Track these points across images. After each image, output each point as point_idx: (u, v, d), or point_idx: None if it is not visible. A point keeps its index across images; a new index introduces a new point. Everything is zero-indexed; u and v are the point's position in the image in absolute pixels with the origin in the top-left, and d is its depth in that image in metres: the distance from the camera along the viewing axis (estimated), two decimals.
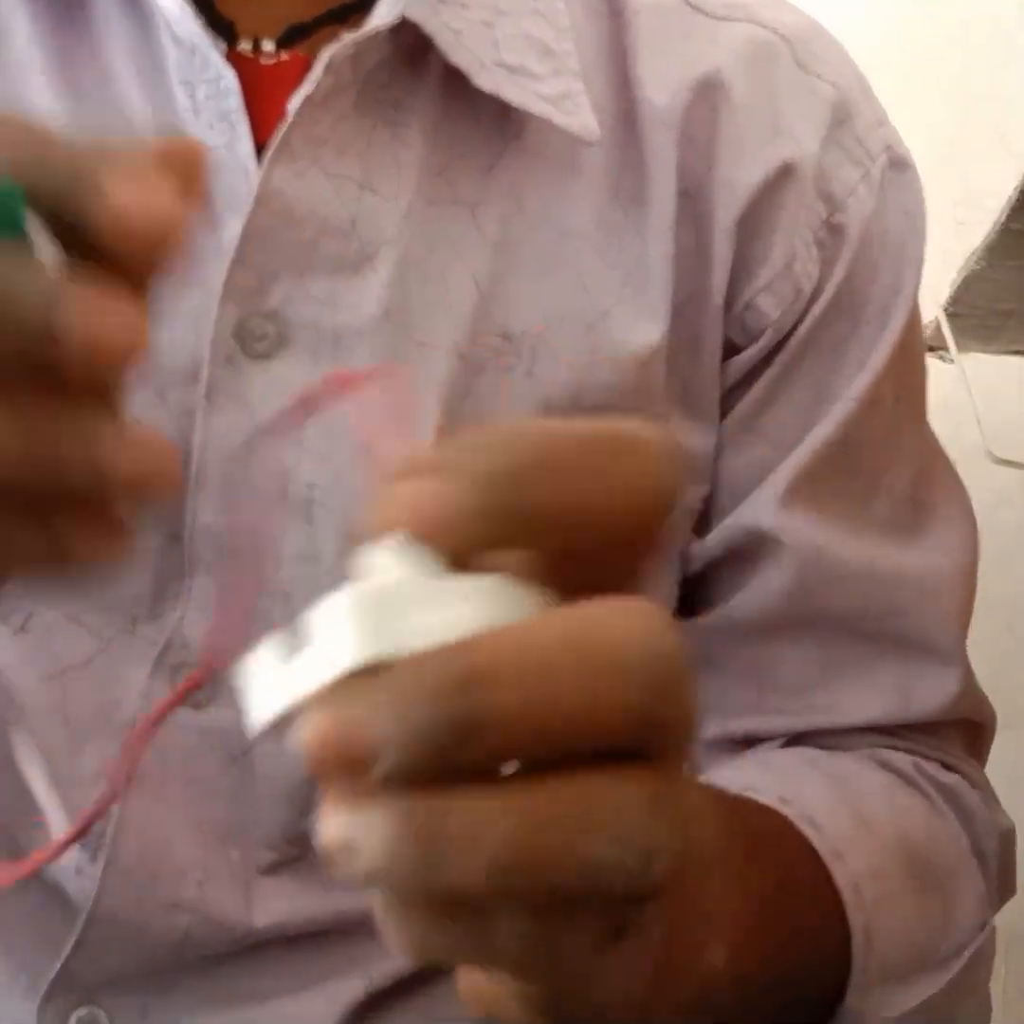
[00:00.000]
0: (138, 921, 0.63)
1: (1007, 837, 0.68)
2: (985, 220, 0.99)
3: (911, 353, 0.69)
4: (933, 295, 1.01)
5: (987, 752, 0.72)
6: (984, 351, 1.23)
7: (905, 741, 0.68)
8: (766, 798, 0.57)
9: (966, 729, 0.70)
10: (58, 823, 0.64)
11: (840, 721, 0.67)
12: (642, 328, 0.64)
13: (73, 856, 0.63)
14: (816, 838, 0.56)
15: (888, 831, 0.60)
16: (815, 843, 0.56)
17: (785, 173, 0.64)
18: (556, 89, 0.62)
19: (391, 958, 0.67)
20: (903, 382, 0.68)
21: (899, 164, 0.67)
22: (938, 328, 1.17)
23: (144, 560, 0.62)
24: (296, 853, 0.64)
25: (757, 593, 0.67)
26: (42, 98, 0.61)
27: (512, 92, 0.61)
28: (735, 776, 0.62)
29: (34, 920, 0.65)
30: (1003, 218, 0.96)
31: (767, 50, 0.66)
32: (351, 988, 0.66)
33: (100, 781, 0.63)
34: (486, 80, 0.61)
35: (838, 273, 0.65)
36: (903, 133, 0.69)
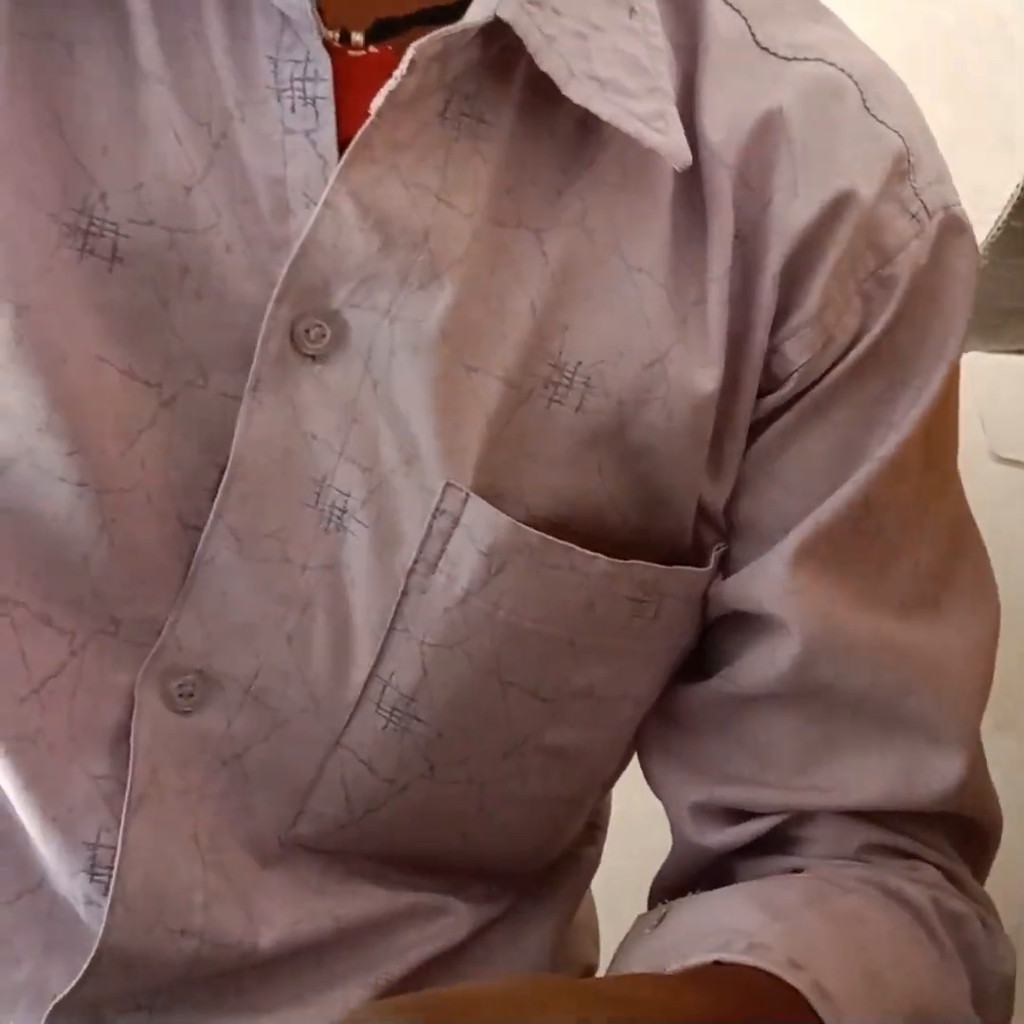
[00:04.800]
0: (146, 948, 0.62)
1: (1008, 981, 0.66)
2: (986, 219, 0.99)
3: (944, 422, 0.67)
4: None
5: (988, 862, 0.69)
6: (986, 350, 1.22)
7: (901, 837, 0.66)
8: (774, 961, 0.55)
9: (965, 829, 0.68)
10: (54, 850, 0.64)
11: (837, 803, 0.66)
12: (700, 374, 0.62)
13: (82, 886, 0.63)
14: (825, 1012, 0.55)
15: (899, 994, 0.58)
16: (825, 1018, 0.55)
17: (834, 216, 0.62)
18: (648, 108, 0.60)
19: (394, 962, 0.67)
20: (934, 450, 0.66)
21: (956, 226, 0.65)
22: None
23: (142, 553, 0.61)
24: (286, 856, 0.64)
25: (762, 661, 0.65)
26: (139, 47, 0.60)
27: (602, 106, 0.59)
28: (738, 918, 0.60)
29: (44, 934, 0.65)
30: (1004, 216, 0.95)
31: (833, 88, 0.64)
32: (356, 995, 0.66)
33: (94, 803, 0.62)
34: (576, 90, 0.59)
35: (879, 326, 0.64)
36: None
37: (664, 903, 0.67)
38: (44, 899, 0.65)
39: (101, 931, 0.62)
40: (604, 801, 0.79)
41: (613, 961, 0.67)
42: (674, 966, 0.57)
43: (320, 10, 0.59)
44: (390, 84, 0.57)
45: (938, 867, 0.67)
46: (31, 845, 0.64)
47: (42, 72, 0.60)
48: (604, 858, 0.80)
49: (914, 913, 0.64)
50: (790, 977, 0.55)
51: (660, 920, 0.65)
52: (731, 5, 0.65)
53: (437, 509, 0.60)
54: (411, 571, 0.61)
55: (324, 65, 0.59)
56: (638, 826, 0.81)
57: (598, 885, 0.81)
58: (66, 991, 0.63)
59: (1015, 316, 1.15)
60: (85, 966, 0.63)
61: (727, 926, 0.59)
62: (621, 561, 0.62)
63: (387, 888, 0.67)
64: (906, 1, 1.44)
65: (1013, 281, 1.04)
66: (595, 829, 0.79)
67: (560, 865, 0.75)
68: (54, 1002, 0.64)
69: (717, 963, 0.56)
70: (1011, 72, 1.41)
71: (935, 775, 0.66)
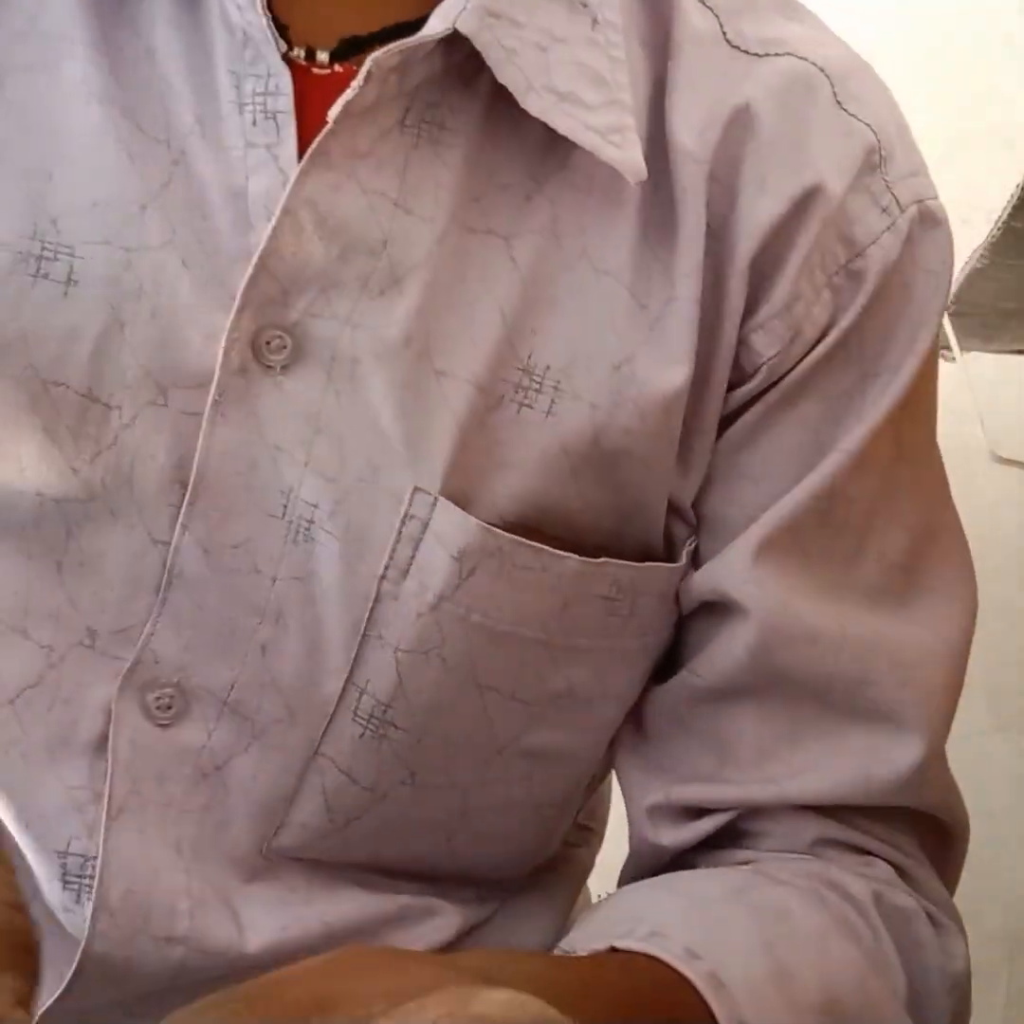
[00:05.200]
0: (131, 957, 0.62)
1: (961, 981, 0.65)
2: (987, 219, 0.99)
3: (917, 414, 0.66)
4: None
5: (955, 861, 0.68)
6: (986, 350, 1.23)
7: (856, 832, 0.65)
8: (669, 950, 0.54)
9: (929, 827, 0.67)
10: (31, 857, 0.63)
11: (792, 796, 0.64)
12: (667, 372, 0.62)
13: (57, 894, 0.63)
14: (716, 1003, 0.53)
15: (812, 990, 0.57)
16: (715, 1010, 0.53)
17: (802, 209, 0.62)
18: (606, 121, 0.60)
19: None
20: (905, 441, 0.65)
21: (930, 219, 0.64)
22: (940, 327, 1.16)
23: (113, 566, 0.61)
24: (270, 866, 0.64)
25: (720, 652, 0.64)
26: (78, 68, 0.59)
27: (560, 119, 0.59)
28: (649, 907, 0.59)
29: None
30: (1005, 216, 0.96)
31: (804, 82, 0.63)
32: None
33: (66, 812, 0.62)
34: (534, 103, 0.58)
35: (848, 319, 0.63)
36: None
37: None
38: (37, 913, 0.64)
39: (85, 940, 0.62)
40: (597, 801, 0.79)
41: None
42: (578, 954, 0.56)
43: (286, 29, 0.60)
44: (347, 94, 0.57)
45: (892, 863, 0.66)
46: (25, 862, 0.64)
47: None
48: (601, 856, 0.80)
49: (851, 906, 0.63)
50: (683, 966, 0.54)
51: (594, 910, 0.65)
52: (704, 3, 0.64)
53: (406, 515, 0.60)
54: (382, 578, 0.60)
55: (284, 80, 0.58)
56: None
57: (596, 884, 0.81)
58: (52, 1000, 0.63)
59: (1015, 316, 1.15)
60: (69, 974, 0.63)
61: (636, 914, 0.59)
62: (593, 560, 0.62)
63: (374, 892, 0.67)
64: (907, 2, 1.44)
65: (1014, 281, 1.04)
66: (588, 831, 0.78)
67: (552, 866, 0.74)
68: (41, 1011, 0.63)
69: (614, 950, 0.55)
70: (1011, 72, 1.41)
71: (893, 765, 0.64)
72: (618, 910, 0.61)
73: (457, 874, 0.69)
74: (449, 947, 0.68)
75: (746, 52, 0.64)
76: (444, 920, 0.68)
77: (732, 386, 0.63)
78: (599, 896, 0.76)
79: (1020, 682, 1.19)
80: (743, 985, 0.54)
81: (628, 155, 0.60)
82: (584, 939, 0.58)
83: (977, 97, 1.41)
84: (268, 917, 0.63)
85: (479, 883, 0.70)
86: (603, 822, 0.80)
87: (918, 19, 1.43)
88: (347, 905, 0.66)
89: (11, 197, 0.59)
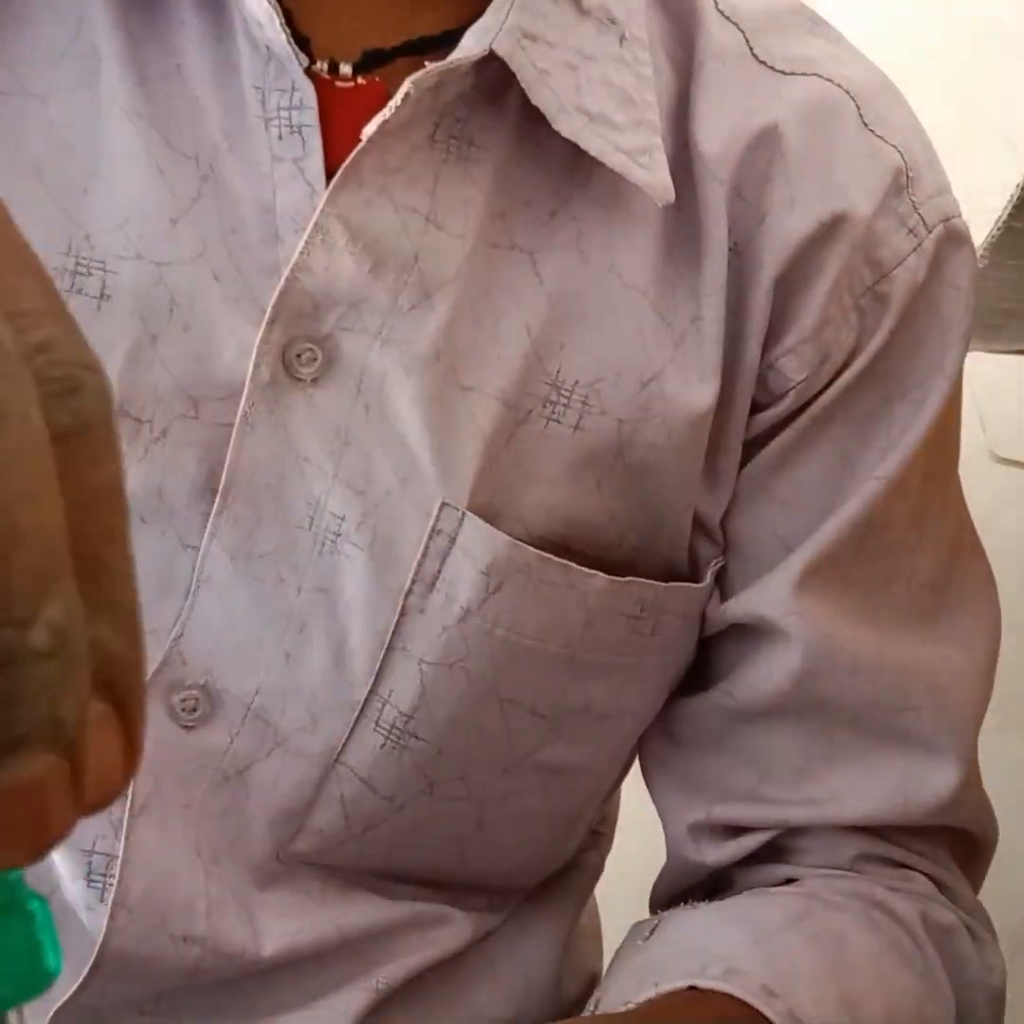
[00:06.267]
0: (148, 955, 0.62)
1: (997, 993, 0.66)
2: (987, 219, 0.99)
3: (945, 435, 0.66)
4: None
5: (983, 869, 0.70)
6: (986, 350, 1.22)
7: (895, 848, 0.66)
8: (748, 990, 0.56)
9: (961, 839, 0.68)
10: (57, 855, 0.64)
11: (832, 817, 0.66)
12: (695, 390, 0.62)
13: (82, 891, 0.63)
14: None
15: (878, 1016, 0.58)
16: None
17: (830, 232, 0.62)
18: (635, 142, 0.60)
19: (395, 966, 0.67)
20: (933, 463, 0.66)
21: (955, 238, 0.65)
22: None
23: (141, 569, 0.61)
24: (286, 870, 0.64)
25: (761, 675, 0.65)
26: (113, 86, 0.60)
27: (590, 141, 0.59)
28: (718, 941, 0.60)
29: None
30: (1004, 217, 0.96)
31: (831, 105, 0.64)
32: (358, 998, 0.66)
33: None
34: (565, 124, 0.59)
35: (876, 342, 0.63)
36: None
37: (657, 914, 0.68)
38: (55, 907, 0.64)
39: (102, 935, 0.63)
40: (609, 806, 0.79)
41: (606, 972, 0.67)
42: (649, 991, 0.57)
43: (308, 42, 0.60)
44: (384, 113, 0.57)
45: (931, 877, 0.68)
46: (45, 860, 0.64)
47: (19, 126, 0.60)
48: (607, 862, 0.80)
49: (901, 928, 0.64)
50: (763, 1006, 0.56)
51: (652, 932, 0.65)
52: (729, 19, 0.65)
53: (433, 529, 0.60)
54: (408, 592, 0.61)
55: (309, 94, 0.59)
56: (641, 829, 0.80)
57: (601, 889, 0.81)
58: (68, 995, 0.63)
59: (1015, 316, 1.15)
60: (87, 970, 0.63)
61: (706, 949, 0.60)
62: (619, 579, 0.62)
63: (388, 899, 0.67)
64: (907, 2, 1.44)
65: (1013, 281, 1.04)
66: (598, 835, 0.79)
67: (563, 872, 0.75)
68: (56, 1006, 0.64)
69: (692, 987, 0.57)
70: (1011, 72, 1.41)
71: (931, 789, 0.66)
72: (681, 943, 0.62)
73: (470, 883, 0.69)
74: (460, 955, 0.68)
75: (773, 69, 0.64)
76: (456, 928, 0.68)
77: (760, 408, 0.63)
78: (602, 893, 0.76)
79: (1021, 683, 1.19)
80: (818, 1020, 0.56)
81: (657, 177, 0.60)
82: (653, 970, 0.59)
83: (977, 97, 1.41)
84: (282, 921, 0.64)
85: (491, 892, 0.70)
86: (612, 825, 0.81)
87: (918, 19, 1.43)
88: (360, 911, 0.66)
89: (49, 214, 0.59)
